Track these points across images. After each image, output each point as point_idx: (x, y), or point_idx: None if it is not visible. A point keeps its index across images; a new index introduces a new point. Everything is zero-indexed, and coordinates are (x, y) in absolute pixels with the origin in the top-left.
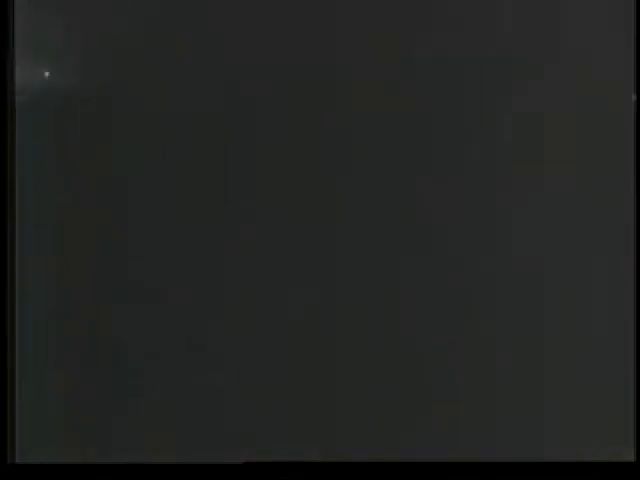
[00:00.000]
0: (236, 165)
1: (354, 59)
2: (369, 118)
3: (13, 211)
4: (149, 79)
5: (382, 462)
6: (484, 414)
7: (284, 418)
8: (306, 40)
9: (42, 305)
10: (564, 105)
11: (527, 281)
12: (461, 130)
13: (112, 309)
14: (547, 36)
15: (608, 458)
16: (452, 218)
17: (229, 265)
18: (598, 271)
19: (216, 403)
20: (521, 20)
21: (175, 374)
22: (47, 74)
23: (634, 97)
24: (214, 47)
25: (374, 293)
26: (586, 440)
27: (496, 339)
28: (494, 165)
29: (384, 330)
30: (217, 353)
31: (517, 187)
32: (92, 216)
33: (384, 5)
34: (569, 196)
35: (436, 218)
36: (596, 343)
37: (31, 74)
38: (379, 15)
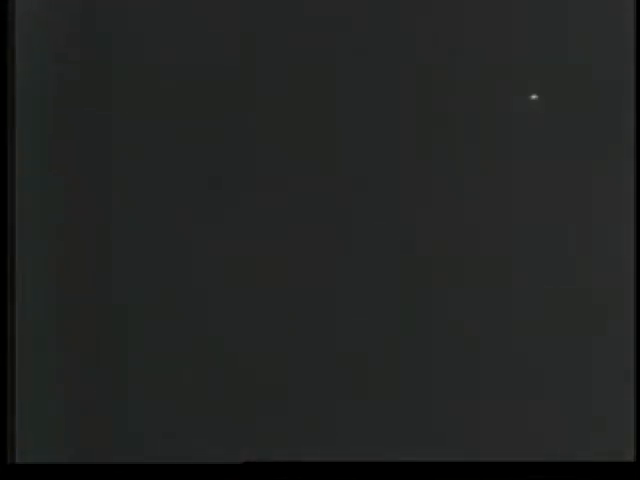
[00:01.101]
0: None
1: (353, 58)
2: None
3: (13, 211)
4: (148, 77)
5: (382, 462)
6: (484, 414)
7: (284, 418)
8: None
9: (42, 305)
10: (564, 105)
11: (527, 280)
12: (460, 130)
13: (112, 309)
14: (547, 36)
15: (608, 458)
16: (451, 217)
17: (230, 265)
18: (598, 270)
19: (216, 402)
20: (520, 20)
21: (175, 374)
22: (47, 72)
23: (634, 97)
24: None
25: (374, 291)
26: (586, 440)
27: (496, 338)
28: (493, 165)
29: (384, 329)
30: (217, 353)
31: (517, 187)
32: (92, 216)
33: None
34: (569, 196)
35: (436, 217)
36: (596, 342)
37: (31, 72)
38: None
